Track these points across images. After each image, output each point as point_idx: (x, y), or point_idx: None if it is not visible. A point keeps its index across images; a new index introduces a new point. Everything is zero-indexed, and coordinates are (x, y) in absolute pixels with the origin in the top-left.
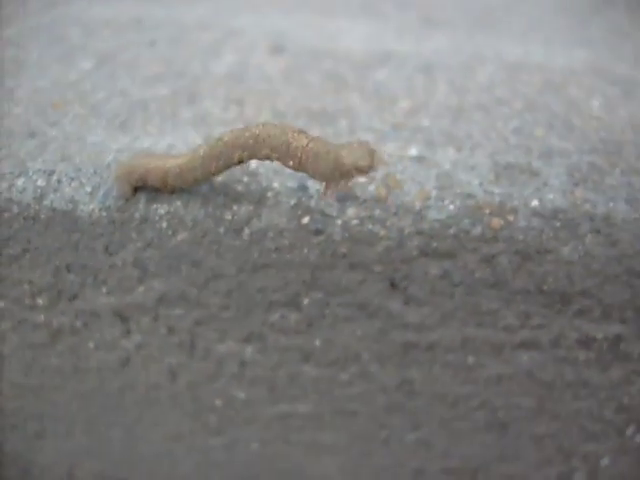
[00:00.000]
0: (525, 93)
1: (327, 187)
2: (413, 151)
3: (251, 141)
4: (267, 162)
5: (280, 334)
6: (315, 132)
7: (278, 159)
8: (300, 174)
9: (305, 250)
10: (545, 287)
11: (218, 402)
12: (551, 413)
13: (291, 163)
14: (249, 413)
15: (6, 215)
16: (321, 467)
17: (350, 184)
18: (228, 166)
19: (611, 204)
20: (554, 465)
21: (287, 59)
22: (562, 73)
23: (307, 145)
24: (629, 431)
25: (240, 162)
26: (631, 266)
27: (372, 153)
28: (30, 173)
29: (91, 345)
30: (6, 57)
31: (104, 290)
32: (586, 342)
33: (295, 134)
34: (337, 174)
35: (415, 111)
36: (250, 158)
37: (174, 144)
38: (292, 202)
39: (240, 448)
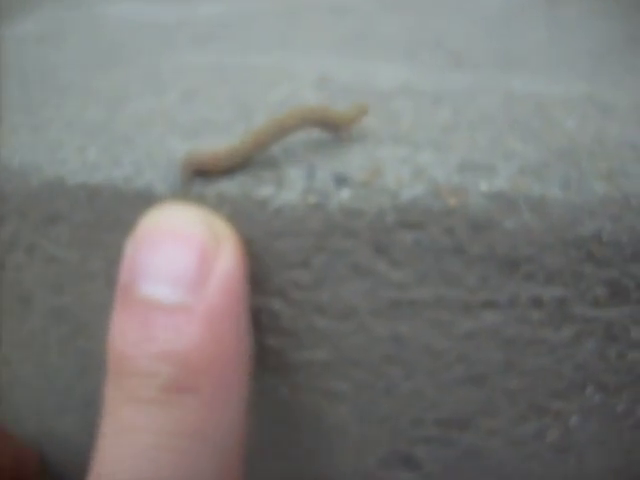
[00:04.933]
0: (514, 114)
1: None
2: (401, 151)
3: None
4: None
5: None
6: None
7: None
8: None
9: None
10: (497, 252)
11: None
12: (518, 369)
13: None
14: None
15: None
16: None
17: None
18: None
19: (546, 188)
20: (529, 421)
21: (325, 92)
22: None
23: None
24: (588, 391)
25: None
26: (562, 236)
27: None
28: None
29: None
30: None
31: None
32: (537, 303)
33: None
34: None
35: (414, 127)
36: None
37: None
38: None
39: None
